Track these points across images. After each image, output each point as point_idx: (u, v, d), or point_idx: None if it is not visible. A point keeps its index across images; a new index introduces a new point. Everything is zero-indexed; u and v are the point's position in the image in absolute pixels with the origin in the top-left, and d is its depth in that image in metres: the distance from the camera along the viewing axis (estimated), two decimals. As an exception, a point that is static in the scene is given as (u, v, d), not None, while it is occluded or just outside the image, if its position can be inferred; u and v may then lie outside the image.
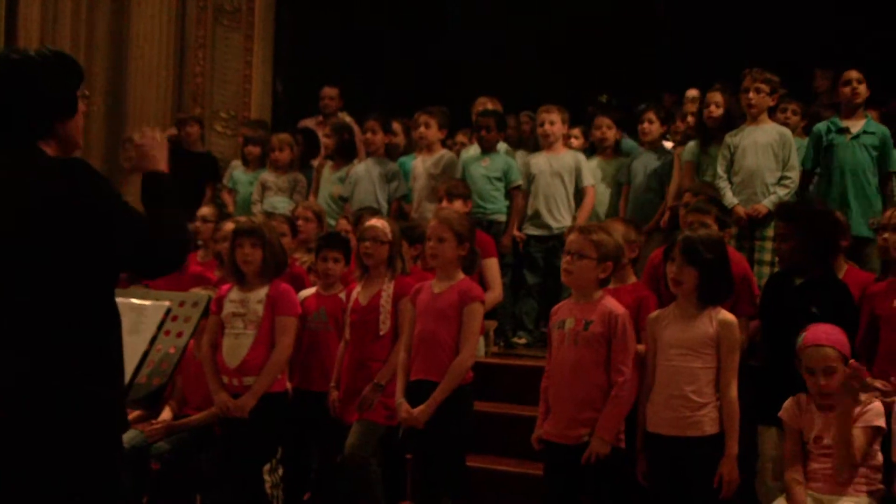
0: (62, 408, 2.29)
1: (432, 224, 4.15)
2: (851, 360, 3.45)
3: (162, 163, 2.56)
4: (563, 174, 6.13)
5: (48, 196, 2.29)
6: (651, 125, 6.21)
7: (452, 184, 5.70)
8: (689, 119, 5.94)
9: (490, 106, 6.68)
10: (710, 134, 5.75)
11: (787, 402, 3.58)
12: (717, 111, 5.74)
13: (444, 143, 6.51)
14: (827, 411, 3.48)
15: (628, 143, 6.75)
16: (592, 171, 6.29)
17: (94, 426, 2.34)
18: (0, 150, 2.37)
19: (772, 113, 5.62)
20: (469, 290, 4.06)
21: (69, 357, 2.31)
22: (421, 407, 3.96)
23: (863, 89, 5.48)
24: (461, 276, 4.10)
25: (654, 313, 3.79)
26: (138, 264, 2.48)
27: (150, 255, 2.42)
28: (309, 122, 8.07)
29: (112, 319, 2.43)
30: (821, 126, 5.60)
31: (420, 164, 6.32)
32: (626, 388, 3.64)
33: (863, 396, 3.46)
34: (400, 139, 7.04)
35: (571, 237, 3.82)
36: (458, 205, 5.44)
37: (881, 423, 3.41)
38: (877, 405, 3.44)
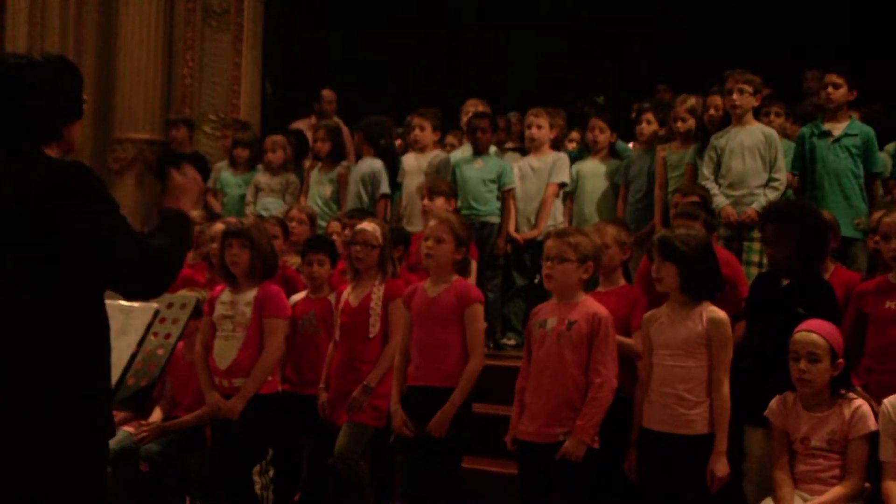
0: (49, 411, 2.30)
1: (432, 224, 4.13)
2: (840, 360, 3.47)
3: (188, 205, 2.64)
4: (544, 177, 6.16)
5: (47, 199, 2.30)
6: (649, 126, 6.21)
7: (435, 182, 5.70)
8: (679, 124, 5.94)
9: (480, 108, 6.69)
10: (708, 137, 5.74)
11: (773, 401, 3.59)
12: (717, 114, 5.75)
13: (436, 145, 6.52)
14: (812, 411, 3.50)
15: (622, 145, 6.76)
16: (590, 172, 6.29)
17: (81, 430, 2.35)
18: (5, 152, 2.38)
19: (756, 115, 5.64)
20: (467, 291, 4.06)
21: (59, 360, 2.31)
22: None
23: (839, 94, 5.49)
24: (455, 277, 4.10)
25: (649, 313, 3.83)
26: (122, 277, 2.45)
27: (134, 270, 2.41)
28: (301, 124, 8.08)
29: (101, 323, 2.43)
30: (805, 129, 5.64)
31: (413, 161, 6.33)
32: (604, 390, 3.65)
33: (850, 394, 3.48)
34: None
35: (549, 242, 3.85)
36: (440, 202, 5.45)
37: (874, 425, 3.42)
38: (865, 408, 3.45)
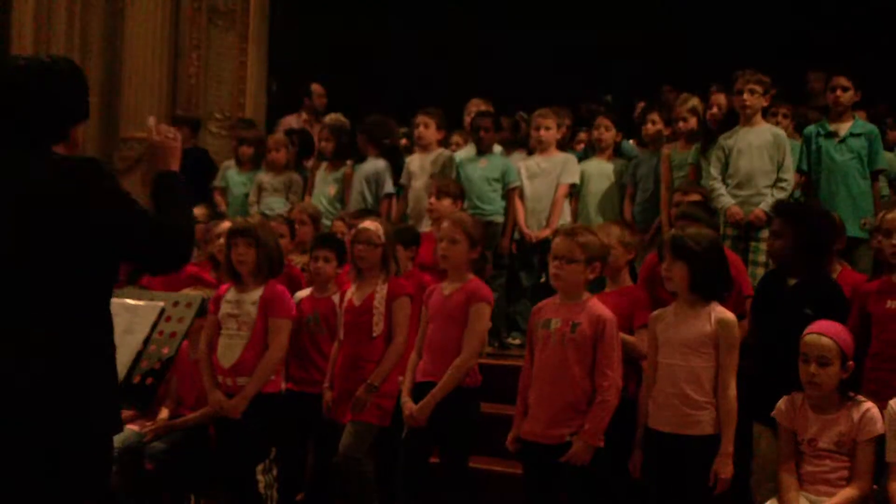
0: (55, 408, 2.31)
1: (445, 225, 4.17)
2: (850, 363, 3.46)
3: (175, 163, 2.59)
4: (555, 175, 6.16)
5: (56, 195, 2.32)
6: (654, 126, 6.20)
7: (443, 182, 5.71)
8: (681, 124, 5.94)
9: (483, 107, 6.69)
10: (712, 136, 5.73)
11: (781, 402, 3.59)
12: (719, 113, 5.74)
13: (439, 144, 6.52)
14: (820, 413, 3.49)
15: (627, 145, 6.74)
16: (595, 171, 6.29)
17: (87, 427, 2.36)
18: (17, 151, 2.40)
19: (763, 115, 5.64)
20: (477, 290, 4.08)
21: (65, 356, 2.33)
22: (419, 405, 3.99)
23: (847, 97, 5.52)
24: (470, 276, 4.13)
25: (656, 312, 3.81)
26: (146, 259, 2.51)
27: (158, 251, 2.45)
28: (291, 120, 8.10)
29: (108, 321, 2.46)
30: (811, 129, 5.65)
31: (417, 161, 6.34)
32: (611, 394, 3.65)
33: (859, 396, 3.48)
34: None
35: (557, 241, 3.85)
36: (447, 203, 5.46)
37: (881, 428, 3.42)
38: (874, 411, 3.44)
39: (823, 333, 3.46)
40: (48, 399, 2.30)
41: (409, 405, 4.04)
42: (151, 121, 2.63)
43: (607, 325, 3.69)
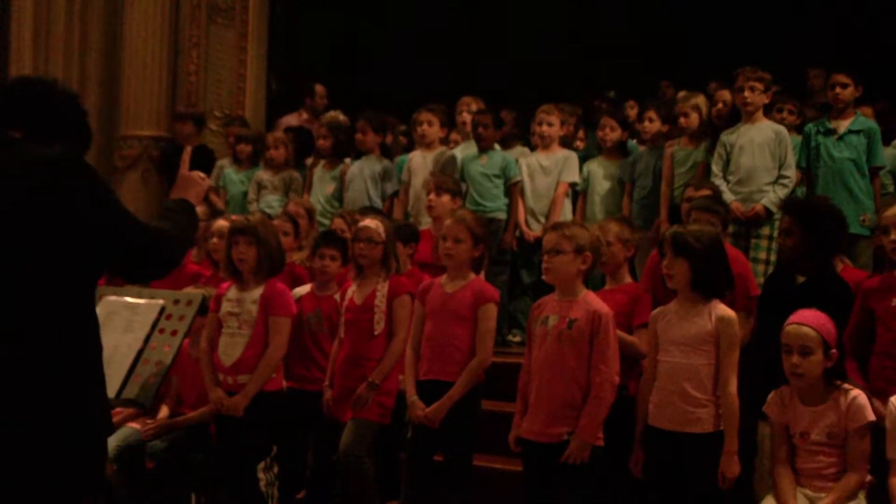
0: (41, 410, 2.30)
1: (448, 223, 4.16)
2: (833, 350, 3.45)
3: (193, 197, 2.80)
4: (556, 173, 6.15)
5: (36, 193, 2.31)
6: (651, 124, 6.20)
7: (442, 178, 5.70)
8: (682, 119, 5.93)
9: (475, 105, 6.68)
10: (717, 134, 5.72)
11: (771, 396, 3.59)
12: (724, 109, 5.74)
13: (441, 142, 6.52)
14: (809, 405, 3.49)
15: (633, 145, 6.74)
16: (601, 171, 6.28)
17: (75, 428, 2.34)
18: (8, 149, 2.40)
19: (768, 112, 5.63)
20: (483, 290, 4.08)
21: (49, 358, 2.31)
22: (434, 406, 3.98)
23: (847, 93, 5.53)
24: (473, 275, 4.13)
25: (657, 310, 3.81)
26: (123, 265, 2.50)
27: (136, 258, 2.45)
28: (291, 119, 8.10)
29: (90, 319, 2.43)
30: (811, 126, 5.66)
31: (418, 159, 6.33)
32: (605, 389, 3.64)
33: (845, 385, 3.47)
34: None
35: (546, 237, 3.87)
36: (446, 199, 5.45)
37: (871, 415, 3.42)
38: (861, 399, 3.44)
39: (804, 323, 3.46)
40: (47, 398, 2.29)
41: (420, 405, 4.02)
42: (186, 154, 2.90)
43: (602, 319, 3.68)
